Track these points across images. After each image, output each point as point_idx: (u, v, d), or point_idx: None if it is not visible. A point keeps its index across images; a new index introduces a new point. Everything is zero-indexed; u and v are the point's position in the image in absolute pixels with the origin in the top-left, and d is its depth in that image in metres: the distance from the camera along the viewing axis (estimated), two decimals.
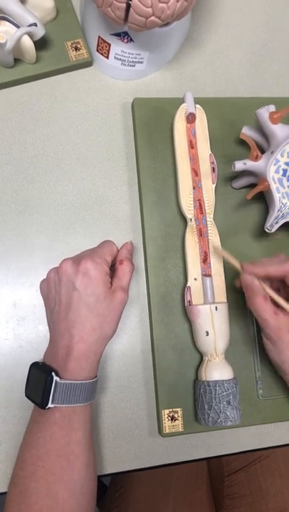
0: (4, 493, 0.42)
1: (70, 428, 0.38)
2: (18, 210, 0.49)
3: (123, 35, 0.49)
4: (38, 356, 0.46)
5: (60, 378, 0.38)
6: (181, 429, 0.46)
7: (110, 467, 0.46)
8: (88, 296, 0.39)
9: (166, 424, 0.46)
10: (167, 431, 0.46)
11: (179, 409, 0.46)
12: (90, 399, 0.40)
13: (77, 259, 0.41)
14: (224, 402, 0.43)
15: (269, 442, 0.49)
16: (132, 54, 0.51)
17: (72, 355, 0.38)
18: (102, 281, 0.40)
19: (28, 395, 0.40)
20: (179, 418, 0.46)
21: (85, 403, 0.39)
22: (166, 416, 0.46)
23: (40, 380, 0.38)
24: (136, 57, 0.52)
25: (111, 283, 0.42)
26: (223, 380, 0.44)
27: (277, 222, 0.47)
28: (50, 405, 0.38)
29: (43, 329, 0.47)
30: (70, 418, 0.38)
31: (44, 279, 0.44)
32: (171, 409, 0.46)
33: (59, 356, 0.39)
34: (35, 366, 0.41)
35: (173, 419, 0.46)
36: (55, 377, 0.38)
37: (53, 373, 0.38)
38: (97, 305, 0.39)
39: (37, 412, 0.40)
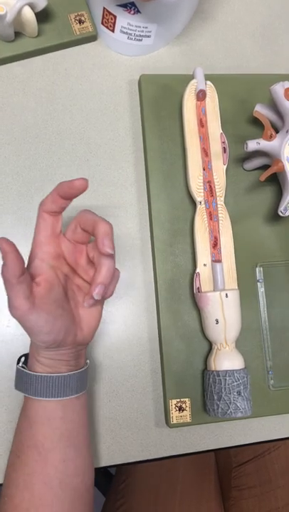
0: None
1: (34, 420, 0.37)
2: (20, 192, 0.47)
3: (130, 6, 0.46)
4: None
5: (23, 365, 0.38)
6: (189, 419, 0.44)
7: (116, 458, 0.45)
8: None
9: (174, 414, 0.44)
10: (175, 421, 0.44)
11: (186, 400, 0.45)
12: (47, 395, 0.36)
13: None
14: (234, 393, 0.42)
15: (279, 434, 0.47)
16: (139, 27, 0.49)
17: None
18: None
19: None
20: (187, 408, 0.45)
21: (42, 397, 0.36)
22: (174, 406, 0.45)
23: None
24: (143, 31, 0.49)
25: None
26: (233, 370, 0.42)
27: None
28: (16, 389, 0.38)
29: None
30: (31, 409, 0.37)
31: None
32: (178, 400, 0.45)
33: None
34: None
35: (181, 409, 0.45)
36: (20, 363, 0.39)
37: (23, 358, 0.39)
38: None
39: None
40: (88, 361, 0.41)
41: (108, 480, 0.82)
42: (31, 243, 0.38)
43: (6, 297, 0.45)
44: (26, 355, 0.40)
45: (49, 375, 0.37)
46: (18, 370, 0.39)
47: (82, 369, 0.39)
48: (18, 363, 0.39)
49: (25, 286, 0.33)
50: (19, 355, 0.44)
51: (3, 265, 0.32)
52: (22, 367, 0.38)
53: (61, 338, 0.35)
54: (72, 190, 0.35)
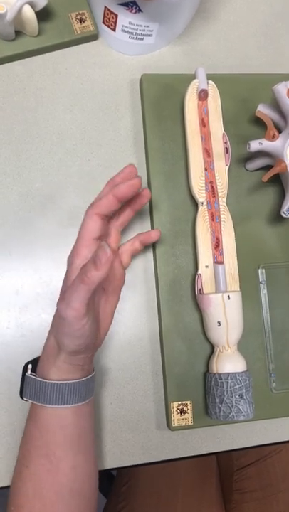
0: (7, 487, 0.40)
1: (46, 429, 0.36)
2: (20, 192, 0.47)
3: (131, 5, 0.46)
4: (42, 346, 0.44)
5: (32, 373, 0.37)
6: (190, 422, 0.44)
7: (117, 461, 0.44)
8: None
9: (175, 417, 0.44)
10: (176, 424, 0.44)
11: (188, 402, 0.44)
12: (62, 402, 0.36)
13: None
14: (236, 396, 0.41)
15: (282, 437, 0.47)
16: (141, 26, 0.48)
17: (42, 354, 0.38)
18: None
19: None
20: (189, 411, 0.44)
21: (57, 405, 0.36)
22: (175, 409, 0.44)
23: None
24: (144, 30, 0.49)
25: None
26: (235, 373, 0.42)
27: None
28: (25, 398, 0.37)
29: (46, 318, 0.45)
30: (43, 418, 0.36)
31: None
32: (180, 402, 0.44)
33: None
34: None
35: (182, 412, 0.44)
36: (29, 371, 0.38)
37: (30, 365, 0.38)
38: None
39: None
40: (94, 366, 0.41)
41: (109, 482, 0.81)
42: (75, 244, 0.38)
43: (4, 299, 0.45)
44: (32, 362, 0.39)
45: (64, 382, 0.36)
46: (28, 378, 0.38)
47: (92, 374, 0.38)
48: (24, 370, 0.38)
49: (91, 292, 0.33)
50: (18, 357, 0.44)
51: (92, 268, 0.32)
52: (32, 375, 0.37)
53: (89, 342, 0.35)
54: (133, 190, 0.36)
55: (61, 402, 0.36)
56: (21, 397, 0.38)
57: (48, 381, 0.36)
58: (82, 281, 0.32)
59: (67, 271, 0.38)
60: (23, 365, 0.39)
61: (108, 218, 0.39)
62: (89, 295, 0.33)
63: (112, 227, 0.42)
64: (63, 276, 0.39)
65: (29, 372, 0.38)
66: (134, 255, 0.44)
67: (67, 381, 0.36)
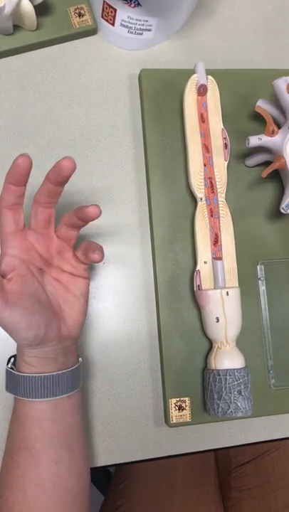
0: None
1: (24, 422, 0.36)
2: None
3: None
4: None
5: (12, 366, 0.37)
6: (188, 419, 0.44)
7: (115, 458, 0.44)
8: None
9: (174, 413, 0.44)
10: (174, 421, 0.44)
11: (186, 399, 0.44)
12: (36, 395, 0.35)
13: None
14: (235, 392, 0.41)
15: (280, 433, 0.47)
16: (140, 20, 0.48)
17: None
18: None
19: None
20: (187, 408, 0.44)
21: (31, 398, 0.35)
22: (174, 405, 0.44)
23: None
24: (144, 24, 0.48)
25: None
26: (233, 369, 0.41)
27: None
28: (7, 391, 0.37)
29: None
30: (20, 410, 0.36)
31: None
32: (178, 399, 0.44)
33: None
34: None
35: (180, 408, 0.44)
36: (9, 364, 0.38)
37: (13, 358, 0.38)
38: None
39: None
40: (80, 359, 0.40)
41: (107, 479, 0.81)
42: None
43: None
44: (15, 356, 0.39)
45: (37, 375, 0.35)
46: (7, 371, 0.38)
47: (73, 367, 0.37)
48: (8, 363, 0.39)
49: None
50: (13, 351, 0.43)
51: None
52: (11, 368, 0.37)
53: (42, 332, 0.34)
54: (20, 169, 0.33)
55: (35, 396, 0.35)
56: (6, 390, 0.38)
57: (20, 374, 0.36)
58: None
59: None
60: (8, 358, 0.39)
61: (17, 207, 0.36)
62: None
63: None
64: None
65: (9, 365, 0.38)
66: (73, 229, 0.38)
67: (39, 374, 0.35)
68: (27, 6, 0.44)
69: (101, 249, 0.36)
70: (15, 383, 0.36)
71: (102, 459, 0.44)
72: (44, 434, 0.36)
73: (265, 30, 0.54)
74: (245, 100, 0.50)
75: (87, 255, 0.36)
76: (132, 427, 0.45)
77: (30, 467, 0.35)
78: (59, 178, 0.34)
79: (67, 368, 0.37)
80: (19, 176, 0.33)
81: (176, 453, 0.45)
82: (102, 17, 0.49)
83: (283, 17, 0.55)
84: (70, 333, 0.37)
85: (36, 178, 0.47)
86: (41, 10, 0.47)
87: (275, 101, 0.46)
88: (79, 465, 0.38)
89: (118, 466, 0.67)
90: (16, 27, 0.47)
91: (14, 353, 0.44)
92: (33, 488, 0.35)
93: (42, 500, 0.35)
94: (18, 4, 0.44)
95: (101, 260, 0.36)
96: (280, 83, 0.44)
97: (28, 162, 0.33)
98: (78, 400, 0.39)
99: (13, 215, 0.35)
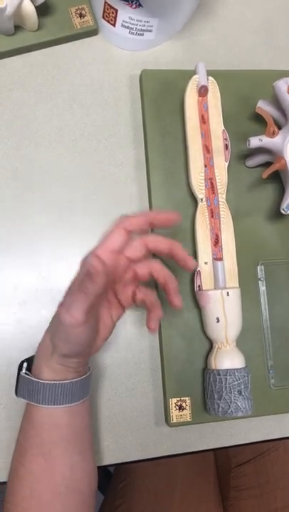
0: (4, 483, 0.40)
1: (40, 428, 0.36)
2: (19, 188, 0.46)
3: (131, 0, 0.46)
4: None
5: (27, 372, 0.37)
6: (189, 418, 0.44)
7: (116, 457, 0.44)
8: None
9: (174, 413, 0.44)
10: (175, 420, 0.44)
11: (187, 398, 0.44)
12: (55, 402, 0.36)
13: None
14: (235, 392, 0.41)
15: (280, 433, 0.47)
16: (141, 21, 0.48)
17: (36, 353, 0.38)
18: None
19: None
20: (187, 407, 0.44)
21: (50, 405, 0.36)
22: (174, 405, 0.44)
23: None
24: (144, 25, 0.48)
25: None
26: (234, 369, 0.42)
27: None
28: (19, 397, 0.37)
29: (46, 314, 0.45)
30: (37, 417, 0.36)
31: None
32: (179, 398, 0.44)
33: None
34: None
35: (181, 408, 0.44)
36: (23, 369, 0.37)
37: (25, 363, 0.38)
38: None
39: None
40: (90, 366, 0.40)
41: (107, 478, 0.82)
42: (94, 248, 0.34)
43: (3, 295, 0.45)
44: (27, 360, 0.39)
45: (57, 382, 0.36)
46: (22, 377, 0.37)
47: (87, 375, 0.38)
48: (19, 369, 0.38)
49: (91, 301, 0.32)
50: (17, 352, 0.44)
51: (90, 277, 0.31)
52: (26, 373, 0.37)
53: (83, 349, 0.35)
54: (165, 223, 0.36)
55: (54, 403, 0.36)
56: (16, 395, 0.38)
57: (40, 381, 0.36)
58: (82, 291, 0.32)
59: (77, 272, 0.36)
60: (19, 363, 0.39)
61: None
62: (88, 304, 0.32)
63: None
64: (63, 272, 0.38)
65: (24, 370, 0.38)
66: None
67: (60, 381, 0.36)
68: (28, 7, 0.44)
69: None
70: (32, 390, 0.36)
71: (103, 459, 0.44)
72: (61, 440, 0.36)
73: (265, 31, 0.55)
74: (246, 101, 0.50)
75: (171, 299, 0.38)
76: (132, 427, 0.45)
77: (46, 473, 0.35)
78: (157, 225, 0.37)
79: (83, 376, 0.37)
80: (159, 224, 0.37)
81: (176, 453, 0.45)
82: (103, 18, 0.49)
83: (284, 18, 0.55)
84: (97, 350, 0.38)
85: (38, 178, 0.47)
86: (42, 10, 0.47)
87: (276, 102, 0.46)
88: (90, 466, 0.38)
89: (117, 467, 0.67)
90: (18, 27, 0.47)
91: (11, 354, 0.44)
92: (47, 494, 0.35)
93: (56, 505, 0.35)
94: (19, 5, 0.44)
95: (180, 308, 0.39)
96: (281, 84, 0.44)
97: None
98: (89, 405, 0.40)
99: (128, 238, 0.36)
